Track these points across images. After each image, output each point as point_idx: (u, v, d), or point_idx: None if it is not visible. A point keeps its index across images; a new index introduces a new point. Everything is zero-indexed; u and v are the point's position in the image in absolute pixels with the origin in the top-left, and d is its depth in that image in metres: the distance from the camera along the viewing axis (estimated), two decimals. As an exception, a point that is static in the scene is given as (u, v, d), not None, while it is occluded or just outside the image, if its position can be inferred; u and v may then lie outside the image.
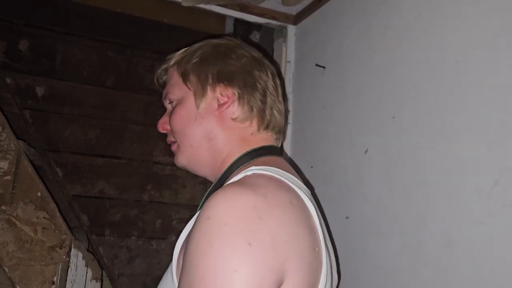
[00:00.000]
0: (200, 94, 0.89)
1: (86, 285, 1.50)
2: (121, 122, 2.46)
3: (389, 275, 1.14)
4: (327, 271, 0.70)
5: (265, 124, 0.90)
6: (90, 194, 2.35)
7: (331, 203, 1.36)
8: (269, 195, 0.67)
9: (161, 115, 0.99)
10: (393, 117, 1.19)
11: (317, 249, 0.69)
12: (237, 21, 2.77)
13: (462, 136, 0.99)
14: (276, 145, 0.93)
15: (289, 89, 1.73)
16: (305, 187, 0.82)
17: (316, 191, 1.43)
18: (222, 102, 0.89)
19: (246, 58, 0.93)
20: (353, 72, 1.39)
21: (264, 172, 0.74)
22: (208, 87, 0.89)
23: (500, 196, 0.88)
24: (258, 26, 2.20)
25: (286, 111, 1.00)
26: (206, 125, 0.89)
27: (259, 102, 0.89)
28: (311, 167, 1.53)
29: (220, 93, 0.89)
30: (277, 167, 0.78)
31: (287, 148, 1.69)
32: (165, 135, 0.99)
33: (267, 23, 1.77)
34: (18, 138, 1.57)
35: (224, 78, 0.89)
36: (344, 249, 1.29)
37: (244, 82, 0.89)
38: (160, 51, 2.62)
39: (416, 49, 1.15)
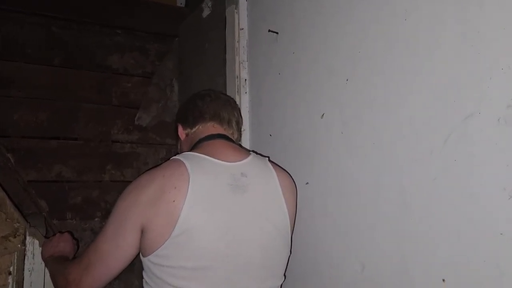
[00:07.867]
0: None
1: (46, 272, 1.45)
2: (73, 102, 2.34)
3: (349, 235, 1.16)
4: (189, 211, 1.02)
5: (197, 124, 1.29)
6: (47, 179, 2.26)
7: (290, 170, 1.35)
8: (151, 173, 1.10)
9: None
10: (347, 80, 1.18)
11: (174, 201, 1.02)
12: (188, -11, 2.68)
13: (414, 95, 0.99)
14: (217, 132, 1.26)
15: (243, 57, 1.69)
16: (214, 160, 1.13)
17: (276, 158, 1.42)
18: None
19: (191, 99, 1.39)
20: (306, 36, 1.36)
21: (175, 157, 1.13)
22: None
23: (452, 152, 0.90)
24: (210, -6, 2.11)
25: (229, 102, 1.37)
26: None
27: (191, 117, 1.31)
28: (270, 135, 1.52)
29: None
30: (197, 151, 1.16)
31: (246, 118, 1.66)
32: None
33: (217, -11, 1.71)
34: (-42, 125, 1.47)
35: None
36: (306, 214, 1.30)
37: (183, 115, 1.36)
38: (109, 25, 2.50)
39: (366, 9, 1.13)
